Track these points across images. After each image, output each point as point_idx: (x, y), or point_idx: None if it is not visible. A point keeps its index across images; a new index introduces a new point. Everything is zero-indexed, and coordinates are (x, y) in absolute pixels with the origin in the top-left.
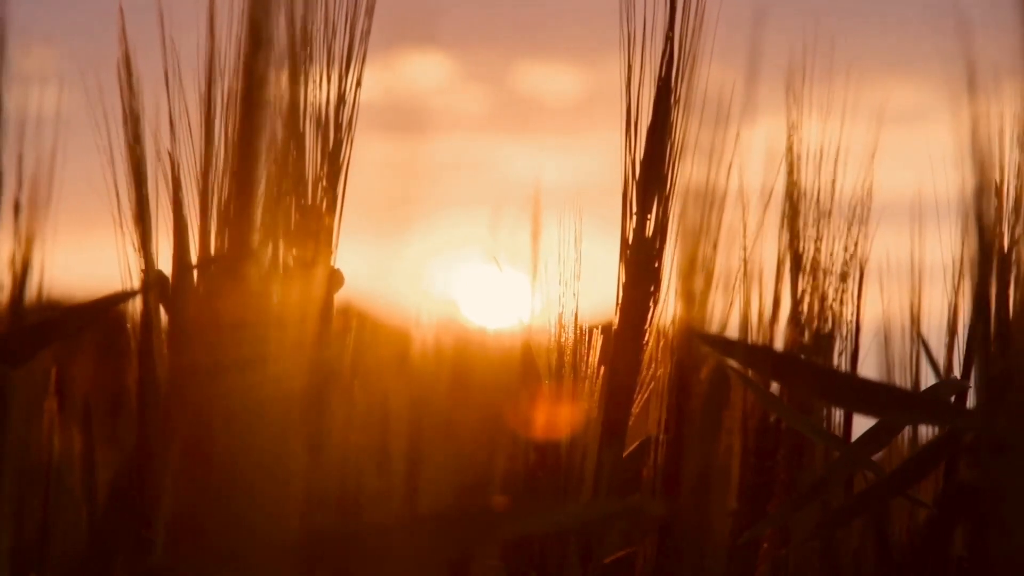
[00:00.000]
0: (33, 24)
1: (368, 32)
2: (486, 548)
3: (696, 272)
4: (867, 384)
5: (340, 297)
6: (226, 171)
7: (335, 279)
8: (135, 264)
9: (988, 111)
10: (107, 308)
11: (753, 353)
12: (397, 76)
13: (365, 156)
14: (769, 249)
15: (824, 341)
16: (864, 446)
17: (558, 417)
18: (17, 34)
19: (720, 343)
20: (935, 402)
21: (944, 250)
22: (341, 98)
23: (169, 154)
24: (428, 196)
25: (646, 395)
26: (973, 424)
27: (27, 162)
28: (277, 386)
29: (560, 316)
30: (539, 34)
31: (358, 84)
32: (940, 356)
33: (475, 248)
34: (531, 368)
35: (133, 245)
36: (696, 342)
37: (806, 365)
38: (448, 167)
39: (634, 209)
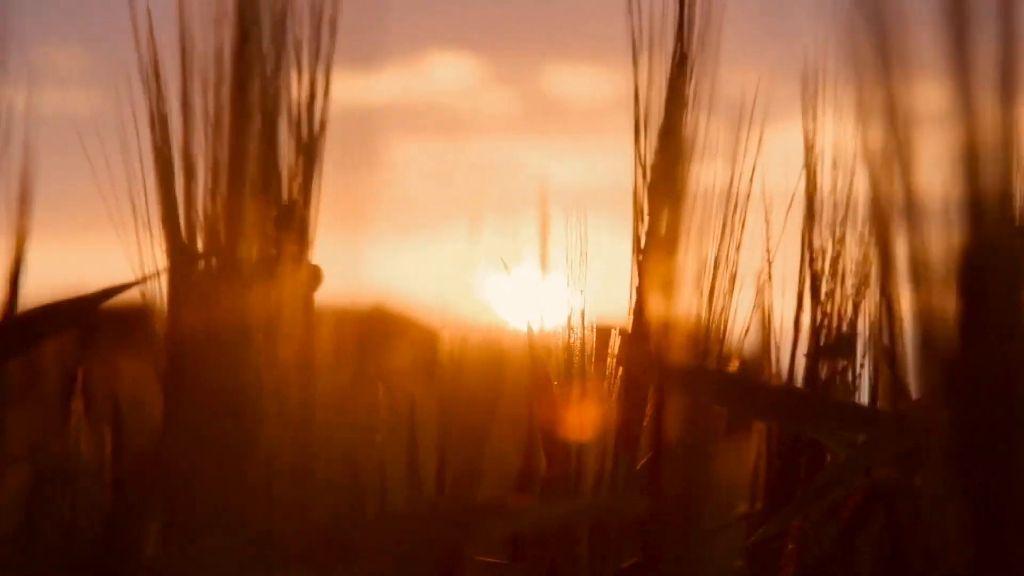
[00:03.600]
0: (50, 25)
1: (335, 27)
2: (480, 542)
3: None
4: (827, 403)
5: (370, 298)
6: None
7: (313, 275)
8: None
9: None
10: (97, 303)
11: (719, 384)
12: (430, 79)
13: (396, 158)
14: (784, 252)
15: (845, 342)
16: (874, 446)
17: (573, 419)
18: (28, 35)
19: (686, 378)
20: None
21: None
22: (313, 92)
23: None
24: (460, 198)
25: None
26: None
27: (27, 161)
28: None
29: (578, 317)
30: (570, 36)
31: (328, 79)
32: None
33: (503, 251)
34: (541, 369)
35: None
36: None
37: (770, 390)
38: (480, 169)
39: (646, 212)
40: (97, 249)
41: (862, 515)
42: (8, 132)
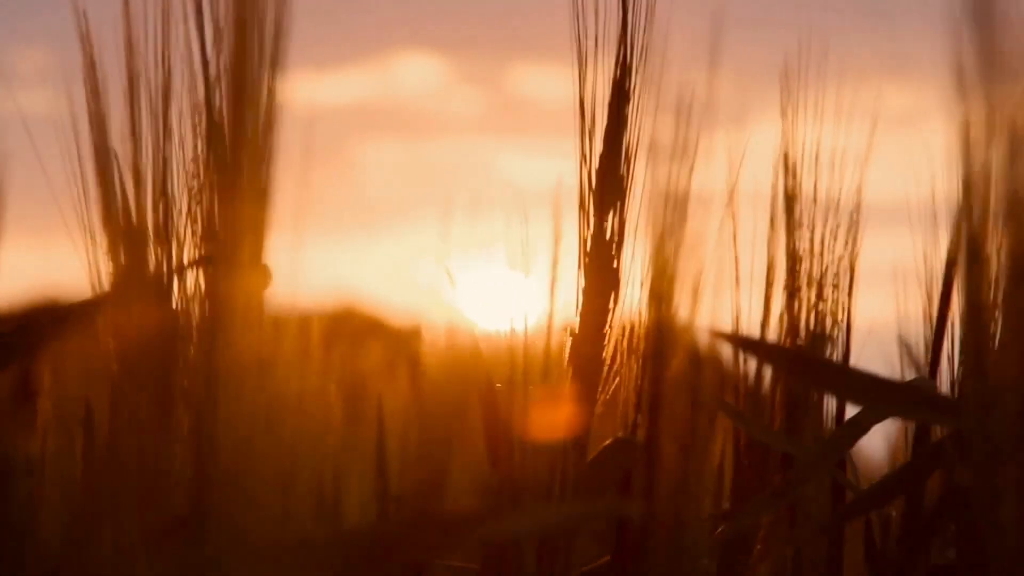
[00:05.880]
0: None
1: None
2: (454, 552)
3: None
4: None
5: (342, 300)
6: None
7: (263, 276)
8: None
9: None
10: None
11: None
12: (399, 79)
13: (364, 158)
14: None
15: (818, 342)
16: (828, 450)
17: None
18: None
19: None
20: (924, 397)
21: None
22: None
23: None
24: (428, 198)
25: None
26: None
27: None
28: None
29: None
30: (533, 36)
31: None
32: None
33: (471, 250)
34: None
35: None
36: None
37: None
38: (446, 169)
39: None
40: (53, 251)
41: (938, 517)
42: None
